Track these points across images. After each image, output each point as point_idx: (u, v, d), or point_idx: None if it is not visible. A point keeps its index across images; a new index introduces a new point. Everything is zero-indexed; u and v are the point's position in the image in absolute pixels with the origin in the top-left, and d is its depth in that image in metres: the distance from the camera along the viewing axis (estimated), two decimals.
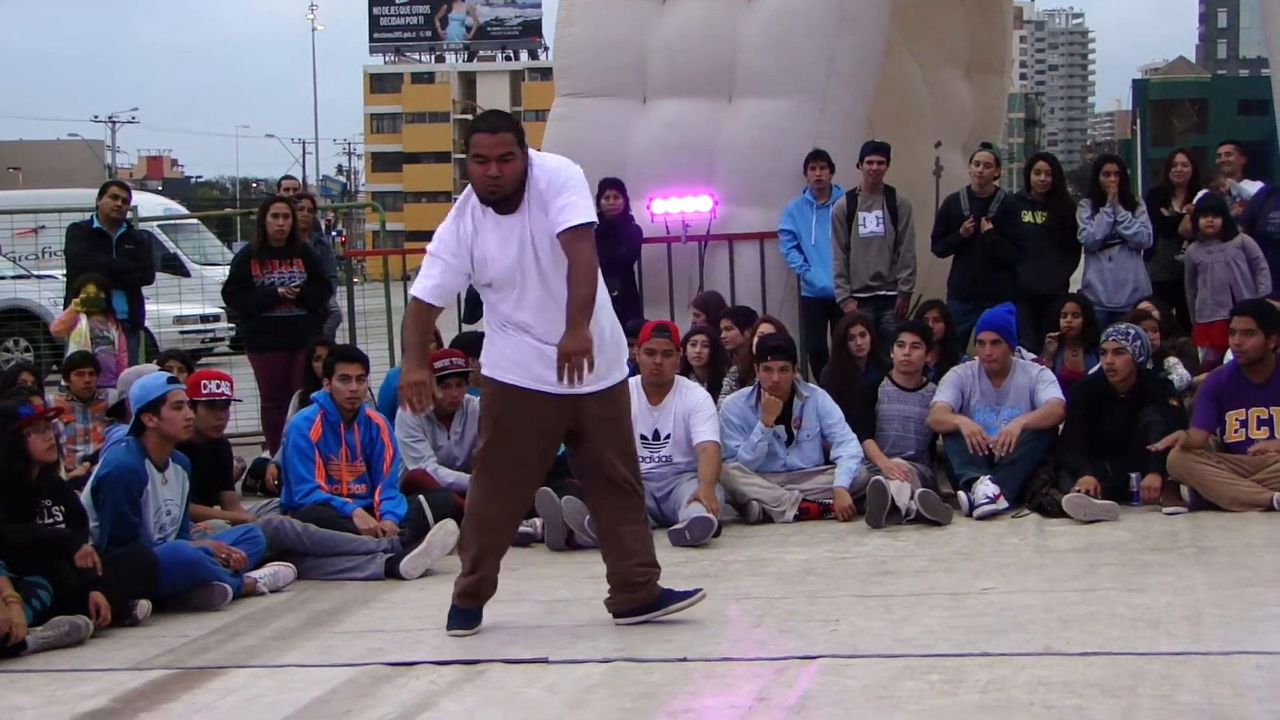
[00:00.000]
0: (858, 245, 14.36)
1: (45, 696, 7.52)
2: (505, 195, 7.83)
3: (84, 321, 14.21)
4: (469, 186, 8.00)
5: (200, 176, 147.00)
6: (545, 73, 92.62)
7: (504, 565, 8.43)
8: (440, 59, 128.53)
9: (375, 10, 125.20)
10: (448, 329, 13.54)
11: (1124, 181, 14.52)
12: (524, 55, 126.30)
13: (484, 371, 8.16)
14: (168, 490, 9.64)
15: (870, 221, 14.32)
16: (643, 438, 11.34)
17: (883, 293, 14.33)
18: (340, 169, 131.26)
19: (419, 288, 8.03)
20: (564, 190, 7.82)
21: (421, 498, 10.82)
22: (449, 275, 7.98)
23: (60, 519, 9.07)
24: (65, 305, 14.67)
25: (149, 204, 29.57)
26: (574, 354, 7.64)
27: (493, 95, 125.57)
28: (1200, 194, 14.57)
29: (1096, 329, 12.63)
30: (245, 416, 14.64)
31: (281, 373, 13.85)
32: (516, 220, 7.87)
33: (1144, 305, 13.32)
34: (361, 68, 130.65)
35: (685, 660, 7.52)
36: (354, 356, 11.09)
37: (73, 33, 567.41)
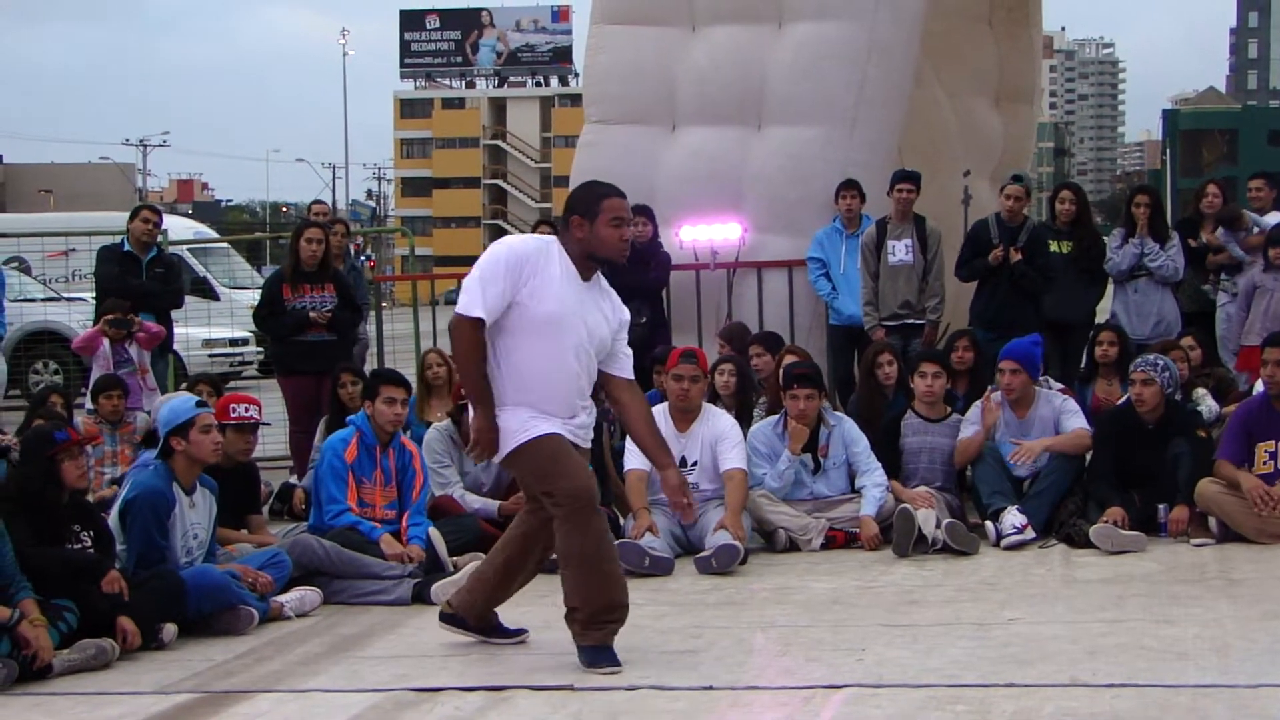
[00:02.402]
0: (886, 274, 14.36)
1: (71, 719, 7.54)
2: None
3: (106, 344, 14.24)
4: (538, 238, 8.09)
5: (230, 200, 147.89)
6: (575, 99, 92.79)
7: (533, 592, 8.46)
8: (471, 85, 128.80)
9: (406, 36, 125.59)
10: None
11: (1155, 214, 14.49)
12: (554, 81, 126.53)
13: (515, 443, 7.89)
14: (195, 514, 9.65)
15: (899, 250, 14.32)
16: None
17: (911, 321, 14.32)
18: (370, 194, 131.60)
19: (475, 304, 7.84)
20: (624, 327, 8.27)
21: (430, 532, 10.75)
22: (502, 300, 7.84)
23: (89, 544, 9.10)
24: (93, 326, 14.70)
25: (179, 227, 29.68)
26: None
27: (523, 121, 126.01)
28: (1268, 224, 14.51)
29: (1131, 359, 12.56)
30: (273, 441, 14.67)
31: (310, 397, 13.88)
32: (591, 290, 8.05)
33: (1186, 340, 13.26)
34: (392, 93, 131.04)
35: (711, 689, 7.51)
36: (399, 380, 11.08)
37: (104, 56, 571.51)
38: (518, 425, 7.90)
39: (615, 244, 7.97)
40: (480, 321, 7.83)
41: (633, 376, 8.32)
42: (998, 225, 14.32)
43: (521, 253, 7.89)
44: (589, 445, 8.22)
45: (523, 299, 7.82)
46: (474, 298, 7.84)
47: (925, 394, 12.07)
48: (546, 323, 7.84)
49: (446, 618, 8.71)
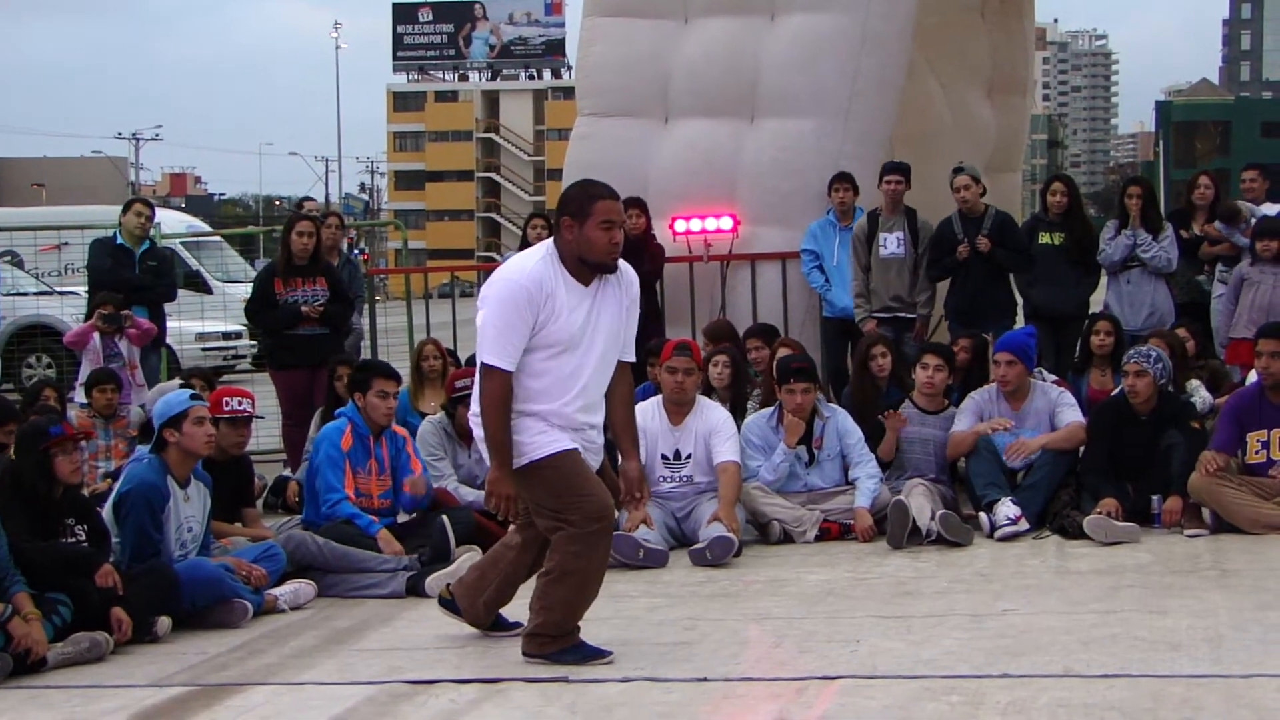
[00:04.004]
0: (878, 266, 14.36)
1: (65, 713, 7.55)
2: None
3: (96, 339, 14.22)
4: (543, 259, 7.82)
5: (223, 194, 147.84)
6: (568, 92, 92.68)
7: (527, 585, 8.44)
8: (464, 77, 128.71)
9: (399, 29, 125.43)
10: (465, 349, 13.55)
11: (1148, 205, 14.48)
12: (547, 74, 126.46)
13: (527, 459, 7.75)
14: (189, 507, 9.65)
15: (891, 243, 14.33)
16: (664, 457, 11.37)
17: (903, 314, 14.32)
18: (363, 187, 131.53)
19: (505, 357, 7.70)
20: (634, 305, 8.11)
21: (444, 518, 10.81)
22: (525, 341, 7.70)
23: (83, 538, 9.09)
24: (86, 320, 14.68)
25: (172, 221, 29.70)
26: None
27: (516, 114, 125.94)
28: (1261, 214, 14.53)
29: (1125, 350, 12.56)
30: (266, 434, 14.66)
31: (303, 390, 13.87)
32: (595, 291, 7.87)
33: (1180, 331, 13.26)
34: (385, 86, 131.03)
35: (705, 680, 7.52)
36: (390, 373, 11.10)
37: (98, 49, 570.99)
38: (529, 438, 7.76)
39: (604, 247, 7.76)
40: (509, 372, 7.73)
41: (630, 358, 8.16)
42: (960, 221, 14.31)
43: (534, 288, 7.67)
44: (599, 456, 8.09)
45: (535, 327, 7.70)
46: (500, 350, 7.68)
47: (925, 385, 12.07)
48: (558, 346, 7.73)
49: (445, 603, 8.71)
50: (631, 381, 8.35)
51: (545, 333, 7.71)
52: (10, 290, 25.02)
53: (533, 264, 7.80)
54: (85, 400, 13.63)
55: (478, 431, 7.95)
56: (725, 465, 11.22)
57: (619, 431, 8.20)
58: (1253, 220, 14.46)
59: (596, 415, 7.99)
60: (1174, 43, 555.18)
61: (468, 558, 9.97)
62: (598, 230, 7.74)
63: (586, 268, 7.81)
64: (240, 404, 10.89)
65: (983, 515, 11.27)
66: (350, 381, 11.37)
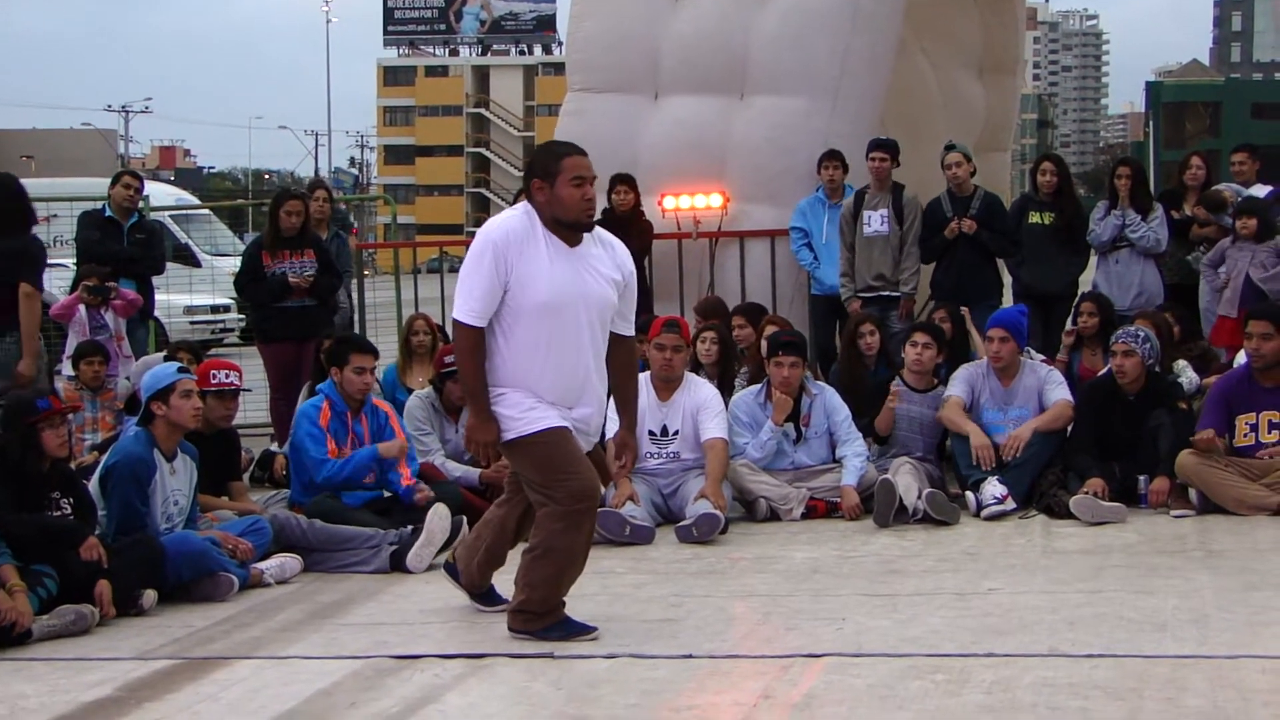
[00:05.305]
0: (861, 245, 14.33)
1: (50, 685, 7.53)
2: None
3: (82, 310, 14.18)
4: (521, 214, 7.81)
5: (213, 167, 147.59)
6: (559, 67, 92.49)
7: (512, 560, 8.45)
8: (454, 52, 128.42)
9: (390, 3, 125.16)
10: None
11: (1137, 185, 14.46)
12: (538, 50, 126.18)
13: (515, 433, 7.73)
14: (176, 480, 9.64)
15: (874, 220, 14.29)
16: (651, 433, 11.37)
17: (886, 293, 14.29)
18: (353, 161, 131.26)
19: (471, 312, 7.70)
20: (631, 278, 8.05)
21: (456, 485, 10.85)
22: (494, 296, 7.68)
23: (69, 511, 9.07)
24: (71, 293, 14.64)
25: (161, 194, 29.60)
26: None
27: (506, 90, 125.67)
28: (1245, 194, 14.52)
29: (1115, 328, 12.53)
30: (254, 408, 14.65)
31: (291, 364, 13.83)
32: (584, 256, 7.83)
33: (1167, 314, 13.26)
34: (375, 60, 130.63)
35: (690, 657, 7.52)
36: (368, 348, 11.08)
37: (88, 21, 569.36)
38: (518, 414, 7.73)
39: (577, 204, 7.70)
40: (475, 327, 7.71)
41: (630, 333, 8.14)
42: (950, 199, 14.32)
43: (501, 241, 7.66)
44: (595, 439, 8.05)
45: (513, 285, 7.65)
46: (463, 305, 7.68)
47: (915, 363, 12.07)
48: (543, 310, 7.66)
49: (449, 568, 8.75)
50: (635, 354, 8.34)
51: (525, 292, 7.66)
52: None
53: (506, 217, 7.85)
54: (72, 373, 13.60)
55: None
56: (712, 442, 11.23)
57: (618, 401, 8.22)
58: (1239, 200, 14.46)
59: (591, 395, 7.91)
60: (1165, 23, 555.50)
61: (437, 518, 9.98)
62: (569, 187, 7.70)
63: (564, 228, 7.76)
64: (228, 377, 10.89)
65: (969, 494, 11.30)
66: (327, 355, 11.34)
